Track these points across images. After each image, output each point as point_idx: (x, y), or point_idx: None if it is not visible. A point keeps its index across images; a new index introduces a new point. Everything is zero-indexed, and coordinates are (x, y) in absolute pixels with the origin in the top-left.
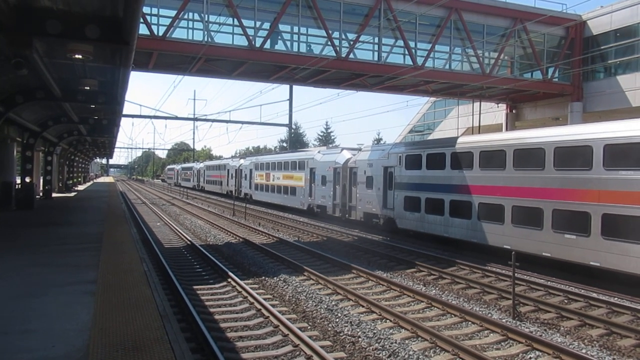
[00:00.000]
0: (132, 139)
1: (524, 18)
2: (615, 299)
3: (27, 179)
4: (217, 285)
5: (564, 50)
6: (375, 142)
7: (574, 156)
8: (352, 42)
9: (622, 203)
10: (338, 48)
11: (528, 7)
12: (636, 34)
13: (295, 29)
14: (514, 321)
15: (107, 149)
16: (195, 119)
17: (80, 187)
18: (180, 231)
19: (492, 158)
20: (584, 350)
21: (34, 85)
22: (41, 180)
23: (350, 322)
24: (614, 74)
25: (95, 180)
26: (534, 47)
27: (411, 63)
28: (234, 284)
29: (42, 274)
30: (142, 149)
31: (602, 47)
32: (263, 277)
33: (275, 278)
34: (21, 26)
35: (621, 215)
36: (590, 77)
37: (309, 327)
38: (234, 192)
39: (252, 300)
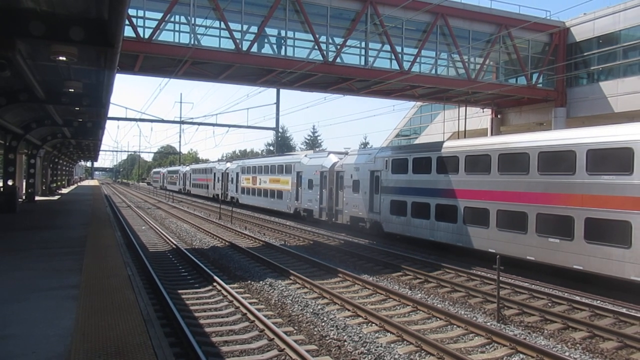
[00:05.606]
0: (118, 142)
1: (508, 24)
2: (598, 302)
3: (10, 182)
4: (202, 290)
5: (548, 57)
6: (362, 146)
7: (557, 161)
8: (339, 47)
9: (605, 207)
10: (325, 52)
11: (513, 13)
12: (618, 41)
13: (283, 33)
14: (499, 324)
15: (92, 152)
16: (181, 122)
17: (64, 191)
18: (166, 235)
19: (478, 162)
20: (567, 353)
21: (17, 87)
22: (24, 184)
23: (336, 326)
24: (596, 80)
25: (79, 184)
26: (519, 53)
27: (398, 68)
28: (219, 288)
29: (23, 279)
30: (128, 152)
31: (585, 54)
32: (249, 281)
33: (261, 282)
34: (3, 27)
35: (603, 219)
36: (574, 83)
37: (295, 331)
38: (220, 195)
39: (237, 304)
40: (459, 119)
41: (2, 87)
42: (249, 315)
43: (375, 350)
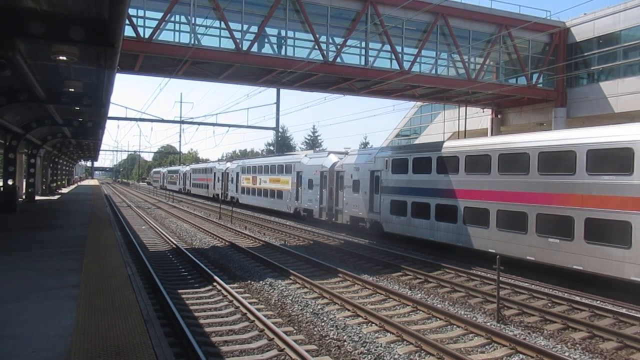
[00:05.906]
0: (118, 141)
1: (508, 24)
2: (598, 302)
3: (10, 182)
4: (202, 289)
5: (548, 57)
6: (362, 146)
7: (557, 161)
8: (339, 47)
9: (605, 207)
10: (325, 52)
11: (513, 13)
12: (618, 41)
13: (283, 33)
14: (499, 324)
15: (92, 152)
16: (181, 122)
17: (64, 190)
18: (166, 235)
19: (478, 162)
20: (567, 353)
21: (17, 86)
22: (24, 183)
23: (336, 326)
24: (596, 81)
25: (79, 183)
26: (519, 53)
27: (398, 68)
28: (219, 287)
29: (23, 279)
30: (128, 151)
31: (585, 54)
32: (249, 281)
33: (261, 282)
34: (3, 27)
35: (603, 220)
36: (574, 83)
37: (295, 331)
38: (220, 195)
39: (237, 304)
40: (459, 119)
41: (2, 86)
42: (248, 315)
43: (375, 350)
